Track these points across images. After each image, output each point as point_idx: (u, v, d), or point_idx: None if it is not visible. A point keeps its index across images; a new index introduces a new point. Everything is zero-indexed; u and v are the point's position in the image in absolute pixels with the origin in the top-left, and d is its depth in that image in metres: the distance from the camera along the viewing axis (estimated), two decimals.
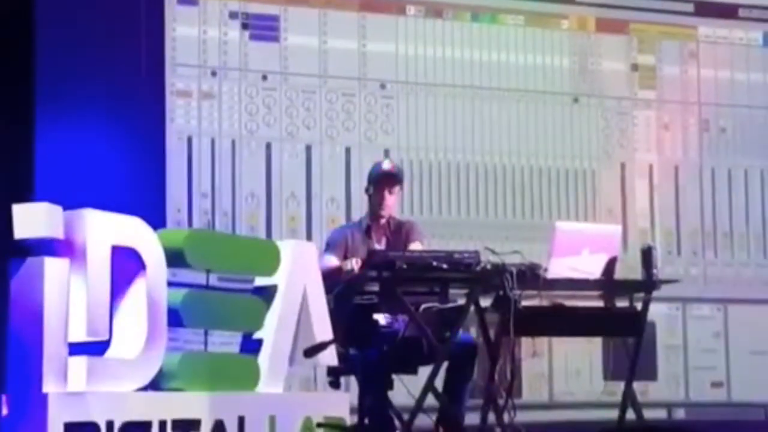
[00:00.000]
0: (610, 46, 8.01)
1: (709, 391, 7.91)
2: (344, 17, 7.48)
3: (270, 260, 4.88)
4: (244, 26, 7.27)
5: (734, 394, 7.94)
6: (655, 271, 5.65)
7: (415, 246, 5.76)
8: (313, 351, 4.79)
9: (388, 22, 7.57)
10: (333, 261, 5.67)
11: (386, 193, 5.81)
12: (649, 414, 6.03)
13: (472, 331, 5.92)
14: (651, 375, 7.62)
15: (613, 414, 5.79)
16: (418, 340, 5.30)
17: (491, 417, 5.43)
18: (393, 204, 5.86)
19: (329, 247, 5.81)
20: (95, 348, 4.23)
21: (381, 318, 5.56)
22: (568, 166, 7.81)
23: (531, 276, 5.33)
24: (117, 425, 4.13)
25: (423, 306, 5.37)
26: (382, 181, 5.84)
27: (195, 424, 4.39)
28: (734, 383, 7.94)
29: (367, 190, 5.90)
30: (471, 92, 7.66)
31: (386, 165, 5.97)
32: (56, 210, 4.17)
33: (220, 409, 4.48)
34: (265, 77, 7.30)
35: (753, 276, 8.11)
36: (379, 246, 5.76)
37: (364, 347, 5.24)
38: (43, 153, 6.61)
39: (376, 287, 5.35)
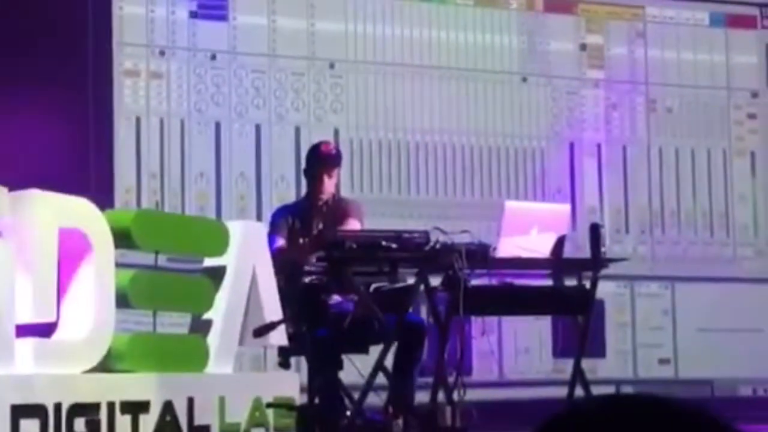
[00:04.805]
0: (558, 26, 8.02)
1: (657, 368, 7.98)
2: None
3: (219, 241, 4.86)
4: (192, 5, 7.21)
5: (681, 371, 8.01)
6: (603, 249, 5.67)
7: (351, 223, 5.71)
8: (262, 331, 4.78)
9: (336, 1, 7.54)
10: (280, 242, 5.64)
11: (325, 177, 5.73)
12: (597, 391, 6.06)
13: (422, 311, 5.92)
14: (600, 352, 7.67)
15: (562, 391, 5.82)
16: (368, 320, 5.30)
17: (441, 395, 5.45)
18: (332, 187, 5.79)
19: (273, 228, 5.72)
20: (42, 329, 4.21)
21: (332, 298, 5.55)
22: (517, 146, 7.83)
23: (480, 255, 5.34)
24: (65, 407, 4.11)
25: (373, 286, 5.37)
26: (321, 165, 5.75)
27: (144, 405, 4.38)
28: (681, 360, 8.01)
29: (305, 172, 5.85)
30: (420, 71, 7.66)
31: (324, 149, 5.85)
32: (2, 191, 4.13)
33: (169, 390, 4.47)
34: (213, 56, 7.25)
35: (700, 254, 8.18)
36: (318, 228, 5.72)
37: (313, 327, 5.23)
38: None
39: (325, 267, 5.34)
